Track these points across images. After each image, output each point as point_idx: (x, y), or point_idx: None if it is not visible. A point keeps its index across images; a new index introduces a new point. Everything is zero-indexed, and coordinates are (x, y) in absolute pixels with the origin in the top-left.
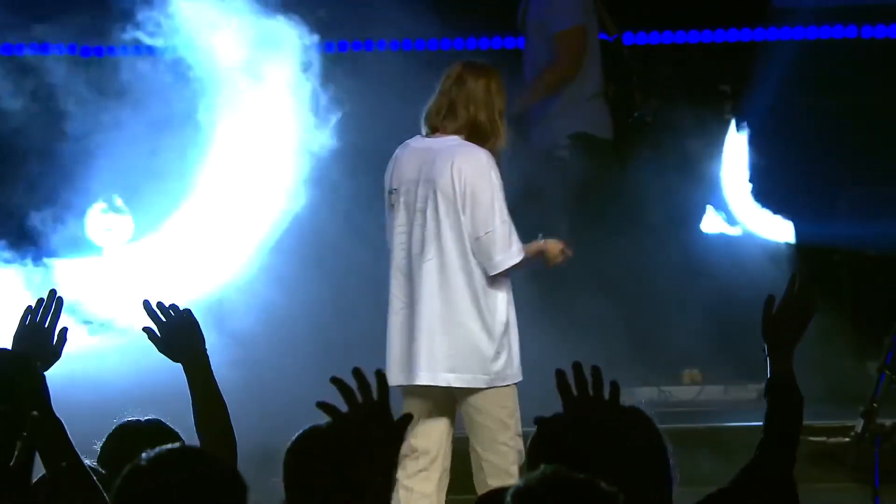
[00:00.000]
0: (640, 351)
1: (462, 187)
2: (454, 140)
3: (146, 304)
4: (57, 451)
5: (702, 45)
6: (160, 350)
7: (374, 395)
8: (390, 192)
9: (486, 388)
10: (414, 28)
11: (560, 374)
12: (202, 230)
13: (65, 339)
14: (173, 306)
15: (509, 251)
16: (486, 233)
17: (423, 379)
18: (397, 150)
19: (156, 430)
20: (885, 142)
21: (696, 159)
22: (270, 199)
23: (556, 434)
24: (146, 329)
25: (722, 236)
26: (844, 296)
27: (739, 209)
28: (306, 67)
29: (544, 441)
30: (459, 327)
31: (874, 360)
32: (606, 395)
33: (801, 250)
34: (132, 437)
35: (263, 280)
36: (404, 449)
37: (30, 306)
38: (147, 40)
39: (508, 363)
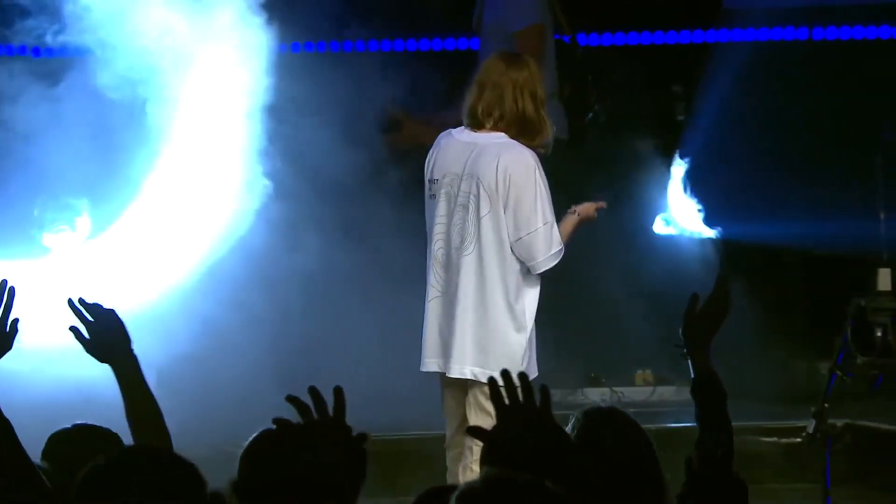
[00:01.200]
0: (592, 352)
1: (506, 187)
2: (501, 137)
3: (70, 303)
4: (2, 450)
5: (654, 47)
6: (87, 350)
7: (331, 411)
8: (431, 182)
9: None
10: (365, 30)
11: (492, 382)
12: (154, 230)
13: (16, 331)
14: (97, 305)
15: (550, 252)
16: (528, 233)
17: (453, 371)
18: (441, 140)
19: (96, 434)
20: (835, 142)
21: (649, 160)
22: (221, 199)
23: (501, 443)
24: (73, 328)
25: (673, 237)
26: (796, 296)
27: (691, 210)
28: (258, 68)
29: (493, 448)
30: (491, 323)
31: (825, 361)
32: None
33: (753, 251)
34: (72, 440)
35: (215, 280)
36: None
37: None
38: (89, 41)
39: (531, 361)
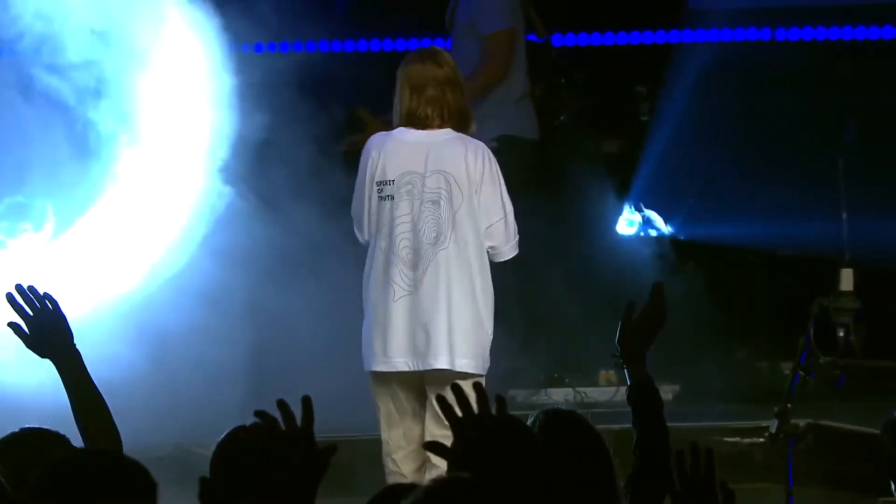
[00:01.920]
0: (556, 352)
1: (477, 178)
2: (449, 132)
3: (10, 297)
4: None
5: (617, 47)
6: (28, 346)
7: (299, 422)
8: (381, 183)
9: (478, 376)
10: (335, 29)
11: (441, 399)
12: (120, 226)
13: None
14: (34, 293)
15: (513, 241)
16: (498, 220)
17: (441, 363)
18: (383, 142)
19: (43, 437)
20: (799, 143)
21: (612, 160)
22: (181, 197)
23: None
24: (12, 324)
25: (637, 237)
26: (758, 296)
27: (655, 210)
28: (221, 68)
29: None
30: (472, 314)
31: (788, 361)
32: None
33: (717, 251)
34: (20, 444)
35: (184, 278)
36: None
37: None
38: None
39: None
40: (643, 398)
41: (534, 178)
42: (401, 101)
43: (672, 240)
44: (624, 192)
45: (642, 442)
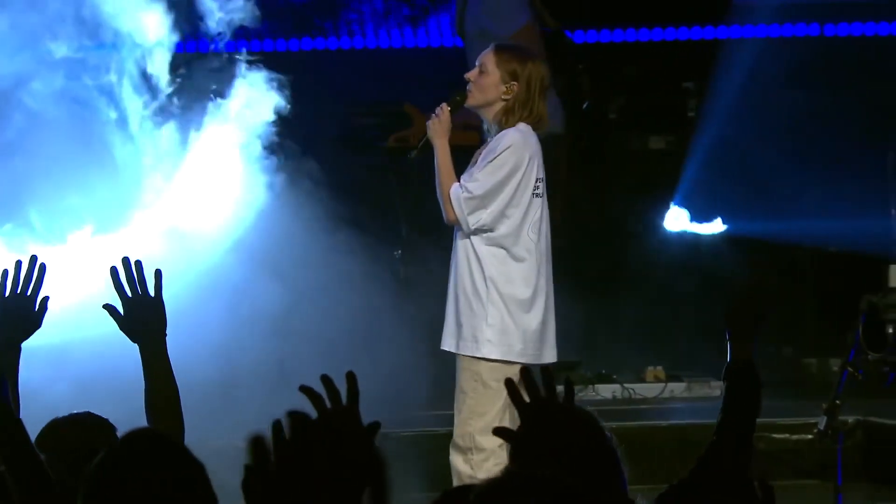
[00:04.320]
0: (603, 349)
1: None
2: None
3: (113, 272)
4: (14, 451)
5: (665, 43)
6: (120, 327)
7: (344, 399)
8: (539, 181)
9: None
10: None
11: (509, 383)
12: (160, 228)
13: (46, 309)
14: (140, 272)
15: None
16: None
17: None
18: (533, 141)
19: (90, 423)
20: (848, 139)
21: (660, 157)
22: (223, 195)
23: (519, 440)
24: (107, 306)
25: (684, 234)
26: (807, 292)
27: (703, 206)
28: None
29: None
30: None
31: (837, 357)
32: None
33: (766, 247)
34: (67, 429)
35: (232, 274)
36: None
37: (6, 271)
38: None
39: None
40: (740, 378)
41: (558, 171)
42: (532, 102)
43: (720, 236)
44: (672, 187)
45: (725, 421)
